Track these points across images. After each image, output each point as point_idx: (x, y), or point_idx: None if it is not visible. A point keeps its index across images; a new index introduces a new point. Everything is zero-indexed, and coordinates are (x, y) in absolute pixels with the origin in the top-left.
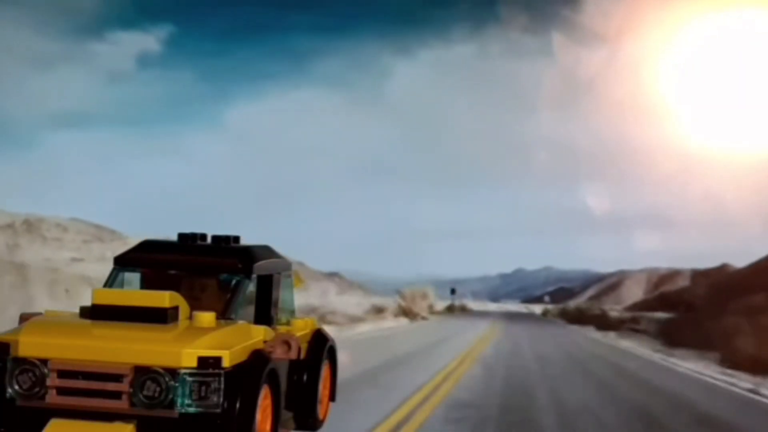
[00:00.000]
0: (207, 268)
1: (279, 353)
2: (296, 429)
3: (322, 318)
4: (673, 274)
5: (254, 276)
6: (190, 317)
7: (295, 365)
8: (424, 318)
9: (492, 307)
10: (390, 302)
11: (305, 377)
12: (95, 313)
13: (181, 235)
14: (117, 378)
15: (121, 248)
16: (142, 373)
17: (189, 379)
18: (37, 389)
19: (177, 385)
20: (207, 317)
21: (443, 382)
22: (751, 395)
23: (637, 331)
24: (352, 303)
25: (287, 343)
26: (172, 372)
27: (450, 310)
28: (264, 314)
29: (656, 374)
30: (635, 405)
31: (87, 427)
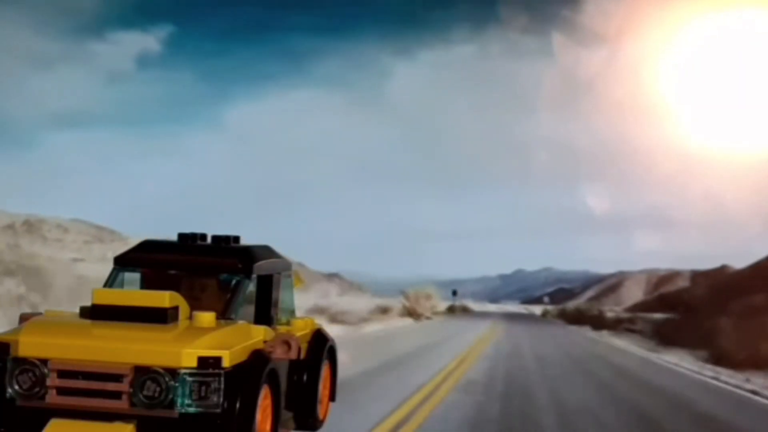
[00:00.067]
0: (207, 268)
1: (279, 353)
2: (296, 429)
3: (333, 318)
4: (672, 275)
5: (254, 276)
6: (190, 317)
7: (295, 365)
8: (428, 318)
9: (492, 307)
10: (393, 303)
11: (305, 377)
12: (95, 313)
13: (181, 235)
14: (117, 378)
15: (122, 249)
16: (142, 373)
17: (189, 379)
18: (37, 389)
19: (177, 385)
20: (207, 317)
21: (460, 364)
22: (716, 383)
23: (633, 331)
24: (357, 304)
25: (287, 343)
26: (172, 372)
27: (451, 310)
28: (264, 314)
29: (640, 367)
30: (614, 389)
31: (87, 427)
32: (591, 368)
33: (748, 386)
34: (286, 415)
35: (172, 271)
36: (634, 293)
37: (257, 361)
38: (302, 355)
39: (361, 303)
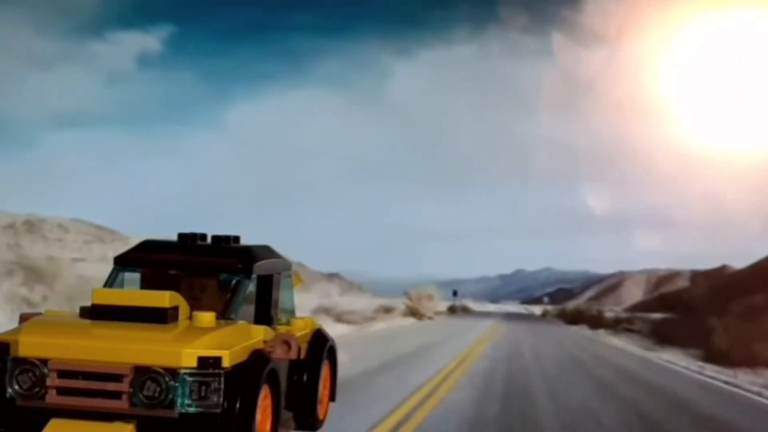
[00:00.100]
0: (207, 268)
1: (279, 353)
2: (296, 429)
3: (338, 317)
4: (672, 275)
5: (254, 276)
6: (190, 317)
7: (295, 365)
8: (430, 318)
9: (492, 308)
10: (395, 303)
11: (305, 377)
12: (95, 313)
13: (181, 235)
14: (117, 378)
15: (123, 249)
16: (142, 373)
17: (189, 379)
18: (37, 389)
19: (177, 385)
20: (207, 317)
21: (467, 356)
22: (702, 377)
23: (632, 331)
24: (358, 304)
25: (287, 343)
26: (172, 372)
27: (452, 310)
28: (264, 314)
29: (631, 362)
30: (604, 380)
31: (87, 427)
32: (586, 364)
33: (731, 380)
34: (286, 415)
35: (172, 271)
36: (634, 293)
37: (257, 361)
38: (302, 355)
39: (362, 303)
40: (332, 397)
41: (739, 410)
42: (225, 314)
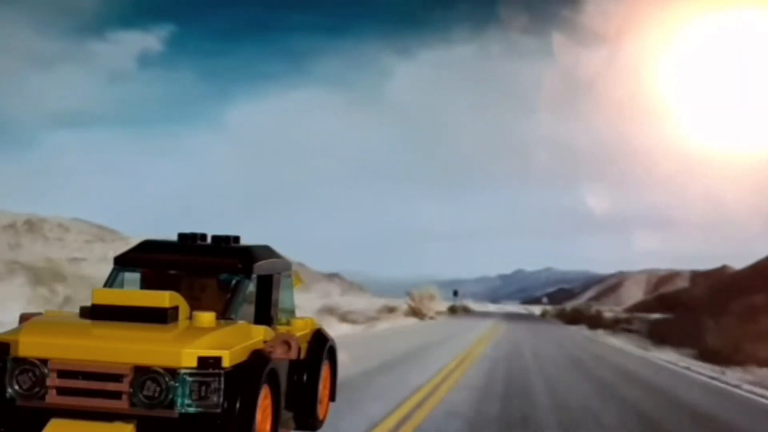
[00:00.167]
0: (207, 268)
1: (279, 353)
2: (296, 429)
3: (343, 317)
4: (672, 276)
5: (254, 276)
6: (190, 317)
7: (295, 365)
8: (432, 318)
9: (492, 308)
10: (396, 303)
11: (305, 377)
12: (95, 313)
13: (181, 235)
14: (117, 378)
15: (123, 248)
16: (142, 373)
17: (189, 379)
18: (37, 389)
19: (177, 385)
20: (207, 317)
21: (473, 349)
22: (688, 372)
23: (630, 331)
24: (358, 304)
25: (287, 343)
26: (172, 372)
27: (453, 311)
28: (264, 314)
29: (624, 359)
30: (597, 375)
31: (87, 427)
32: (581, 360)
33: (718, 376)
34: (286, 415)
35: (172, 271)
36: (634, 293)
37: (257, 361)
38: (302, 355)
39: (362, 303)
40: (332, 397)
41: (717, 400)
42: (225, 314)
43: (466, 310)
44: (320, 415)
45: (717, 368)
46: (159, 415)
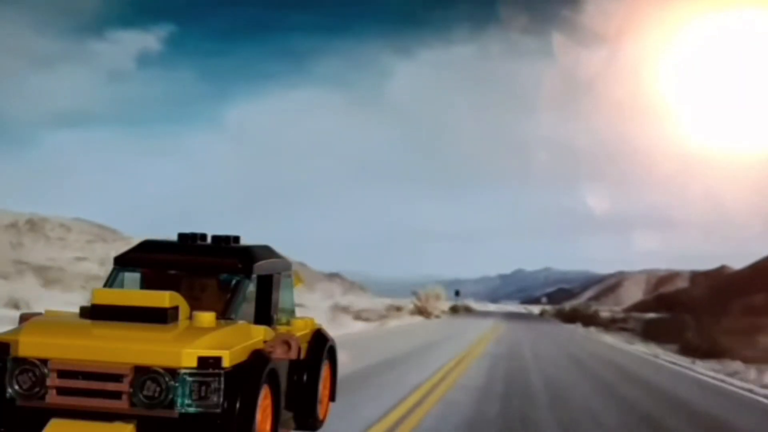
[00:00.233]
0: (207, 268)
1: (279, 353)
2: (296, 429)
3: (357, 315)
4: (672, 276)
5: (254, 276)
6: (190, 317)
7: (295, 365)
8: (437, 317)
9: (492, 307)
10: (400, 302)
11: (305, 377)
12: (95, 313)
13: (181, 235)
14: (117, 378)
15: (124, 248)
16: (142, 373)
17: (189, 379)
18: (37, 389)
19: (177, 385)
20: (207, 317)
21: (480, 340)
22: (660, 361)
23: (625, 329)
24: (362, 303)
25: (287, 343)
26: (172, 372)
27: (454, 310)
28: (264, 314)
29: (609, 351)
30: (583, 362)
31: (87, 427)
32: (572, 352)
33: (686, 365)
34: (286, 415)
35: (172, 271)
36: (633, 293)
37: (257, 361)
38: (302, 355)
39: (365, 303)
40: (332, 397)
41: (675, 380)
42: (225, 314)
43: (468, 310)
44: (320, 415)
45: (690, 359)
46: (159, 415)
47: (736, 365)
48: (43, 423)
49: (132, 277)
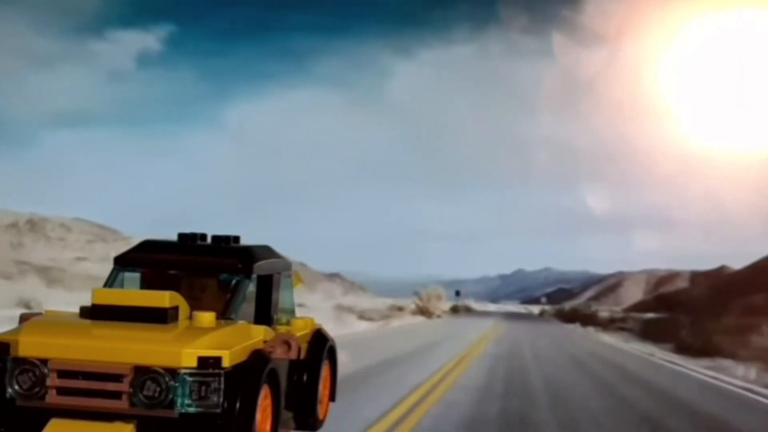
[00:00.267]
0: (207, 268)
1: (279, 353)
2: (296, 429)
3: (361, 315)
4: (672, 276)
5: (254, 276)
6: (190, 317)
7: (295, 365)
8: (438, 316)
9: (492, 307)
10: (399, 302)
11: (305, 377)
12: (95, 313)
13: (181, 235)
14: (117, 378)
15: (124, 248)
16: (142, 373)
17: (189, 379)
18: (37, 389)
19: (177, 385)
20: (207, 317)
21: (482, 340)
22: (659, 361)
23: (623, 329)
24: (363, 303)
25: (287, 343)
26: (172, 372)
27: (455, 310)
28: (264, 314)
29: (605, 349)
30: (583, 362)
31: (87, 427)
32: (570, 351)
33: (676, 361)
34: (286, 415)
35: (172, 271)
36: (633, 293)
37: (257, 361)
38: (302, 355)
39: (365, 303)
40: (332, 397)
41: (666, 376)
42: (225, 314)
43: (468, 310)
44: (320, 415)
45: (683, 357)
46: (159, 415)
47: (726, 362)
48: (43, 423)
49: (132, 277)
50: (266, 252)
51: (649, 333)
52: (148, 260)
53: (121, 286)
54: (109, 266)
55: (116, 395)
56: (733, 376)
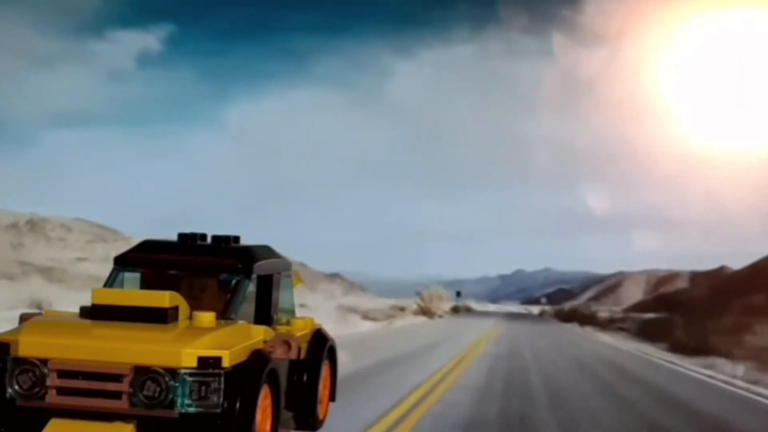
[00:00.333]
0: (207, 268)
1: (279, 353)
2: (296, 429)
3: (365, 315)
4: (672, 276)
5: (254, 276)
6: (190, 317)
7: (295, 365)
8: (440, 317)
9: (492, 308)
10: (399, 302)
11: (305, 377)
12: (95, 313)
13: (181, 235)
14: (117, 378)
15: (124, 248)
16: (142, 373)
17: (189, 379)
18: (37, 389)
19: (177, 385)
20: (207, 317)
21: (482, 340)
22: (654, 359)
23: (622, 329)
24: (364, 303)
25: (287, 343)
26: (172, 372)
27: (455, 310)
28: (264, 314)
29: (602, 347)
30: (582, 361)
31: (87, 427)
32: (567, 350)
33: (669, 359)
34: (286, 415)
35: (172, 271)
36: (633, 293)
37: (257, 361)
38: (302, 355)
39: (366, 303)
40: (332, 397)
41: (658, 372)
42: (225, 314)
43: (469, 310)
44: (320, 415)
45: (677, 356)
46: (159, 415)
47: (718, 361)
48: (43, 423)
49: (132, 277)
50: (266, 252)
51: (646, 333)
52: (148, 260)
53: (121, 286)
54: (110, 266)
55: (116, 395)
56: (721, 373)
